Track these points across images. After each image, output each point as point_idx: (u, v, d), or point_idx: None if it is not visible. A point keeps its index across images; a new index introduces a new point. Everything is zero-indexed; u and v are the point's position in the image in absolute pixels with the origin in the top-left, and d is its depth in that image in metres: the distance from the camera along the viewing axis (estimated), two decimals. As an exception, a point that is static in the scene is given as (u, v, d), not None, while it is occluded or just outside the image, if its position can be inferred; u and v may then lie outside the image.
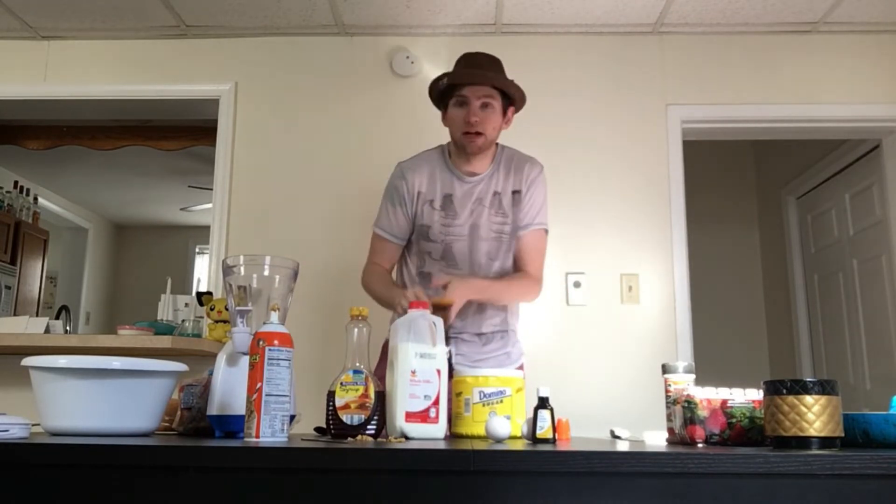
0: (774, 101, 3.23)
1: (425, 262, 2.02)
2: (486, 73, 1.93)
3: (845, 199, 3.87)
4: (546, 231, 2.08)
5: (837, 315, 3.96)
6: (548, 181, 3.17)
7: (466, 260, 1.99)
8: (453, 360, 1.99)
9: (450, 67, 3.29)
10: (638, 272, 3.12)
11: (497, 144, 2.06)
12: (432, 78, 3.36)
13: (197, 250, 7.80)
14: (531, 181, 2.04)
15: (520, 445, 1.17)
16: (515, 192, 2.02)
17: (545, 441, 1.33)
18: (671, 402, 1.33)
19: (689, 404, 1.25)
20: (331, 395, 1.43)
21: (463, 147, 1.97)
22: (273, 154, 3.28)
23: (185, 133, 3.95)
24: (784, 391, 1.09)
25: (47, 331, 2.89)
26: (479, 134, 1.93)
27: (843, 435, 1.09)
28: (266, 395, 1.20)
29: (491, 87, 1.93)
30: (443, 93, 1.99)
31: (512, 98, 2.00)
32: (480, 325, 2.01)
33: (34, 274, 5.86)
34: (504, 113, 1.99)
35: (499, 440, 1.31)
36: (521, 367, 2.09)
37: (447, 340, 1.95)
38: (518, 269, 2.05)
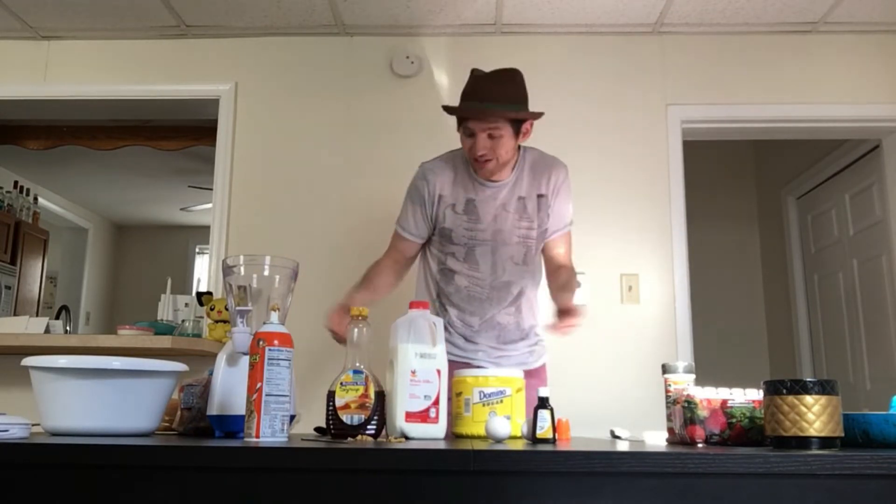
0: (774, 101, 3.23)
1: (447, 260, 2.03)
2: (490, 105, 1.87)
3: (845, 199, 3.87)
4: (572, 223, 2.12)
5: (837, 315, 3.96)
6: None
7: (489, 263, 2.00)
8: (474, 360, 2.01)
9: (449, 68, 3.29)
10: (638, 272, 3.12)
11: (519, 148, 2.02)
12: (433, 78, 3.36)
13: (197, 250, 7.80)
14: (557, 187, 2.03)
15: (520, 445, 1.17)
16: (541, 196, 2.01)
17: (545, 441, 1.33)
18: (671, 402, 1.34)
19: (689, 404, 1.25)
20: (331, 395, 1.43)
21: (475, 169, 1.98)
22: (273, 154, 3.28)
23: (185, 133, 3.95)
24: (784, 391, 1.09)
25: (47, 331, 2.89)
26: (488, 160, 1.91)
27: (843, 435, 1.09)
28: (266, 395, 1.20)
29: (494, 120, 1.88)
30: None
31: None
32: (497, 317, 2.03)
33: (34, 274, 5.86)
34: (517, 133, 1.92)
35: (499, 440, 1.31)
36: (542, 368, 2.12)
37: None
38: (553, 263, 2.08)
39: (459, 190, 2.00)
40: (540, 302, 2.13)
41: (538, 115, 1.93)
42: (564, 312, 1.80)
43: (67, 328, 4.02)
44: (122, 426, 1.29)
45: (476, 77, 1.94)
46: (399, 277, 2.14)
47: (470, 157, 1.95)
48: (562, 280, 2.02)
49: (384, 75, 3.30)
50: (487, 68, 2.00)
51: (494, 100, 1.88)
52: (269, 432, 1.19)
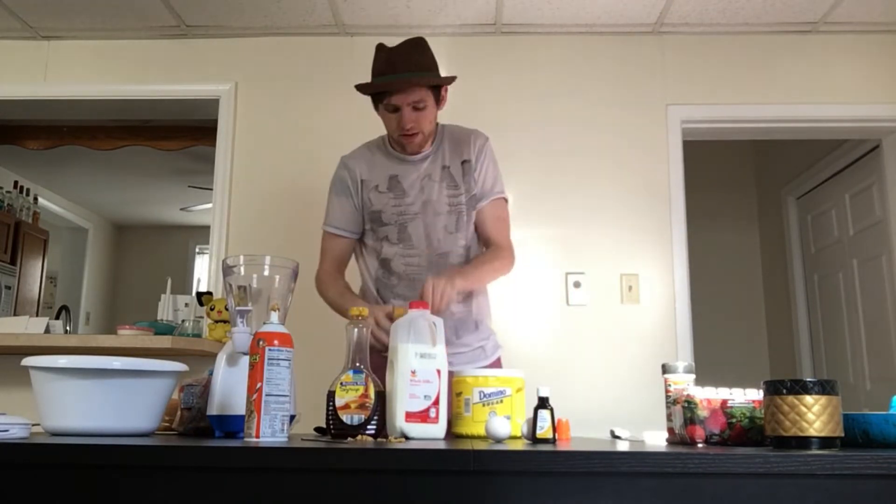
0: (775, 101, 3.23)
1: (383, 248, 1.98)
2: (412, 75, 1.83)
3: (845, 199, 3.87)
4: (506, 200, 2.04)
5: (837, 315, 3.96)
6: (548, 181, 3.20)
7: (422, 238, 1.96)
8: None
9: (449, 68, 3.29)
10: (638, 272, 3.12)
11: (437, 124, 2.02)
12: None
13: (197, 250, 7.80)
14: (479, 150, 1.99)
15: (520, 445, 1.17)
16: (465, 162, 1.99)
17: (545, 441, 1.32)
18: (671, 402, 1.34)
19: (689, 404, 1.25)
20: (331, 395, 1.43)
21: (403, 146, 1.96)
22: (273, 154, 3.27)
23: (185, 133, 3.95)
24: (784, 391, 1.09)
25: (47, 331, 2.89)
26: (415, 134, 1.90)
27: (843, 435, 1.09)
28: (266, 395, 1.20)
29: (419, 89, 1.85)
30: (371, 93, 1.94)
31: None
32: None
33: (34, 274, 5.86)
34: (437, 100, 1.92)
35: (499, 440, 1.31)
36: (497, 362, 2.05)
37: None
38: (486, 242, 2.02)
39: (379, 170, 1.98)
40: (488, 292, 2.08)
41: (452, 79, 1.93)
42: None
43: (67, 328, 4.02)
44: (122, 426, 1.29)
45: (386, 50, 1.88)
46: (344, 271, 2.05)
47: (396, 134, 1.92)
48: (483, 257, 1.98)
49: (384, 75, 3.30)
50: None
51: (412, 70, 1.84)
52: (269, 432, 1.19)
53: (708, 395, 1.25)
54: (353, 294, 1.99)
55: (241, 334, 1.38)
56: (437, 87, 1.91)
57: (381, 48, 1.90)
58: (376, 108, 1.94)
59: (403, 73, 1.83)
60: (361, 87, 1.90)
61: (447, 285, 1.73)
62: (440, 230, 1.96)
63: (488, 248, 2.03)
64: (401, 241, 1.96)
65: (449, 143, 2.00)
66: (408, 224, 1.96)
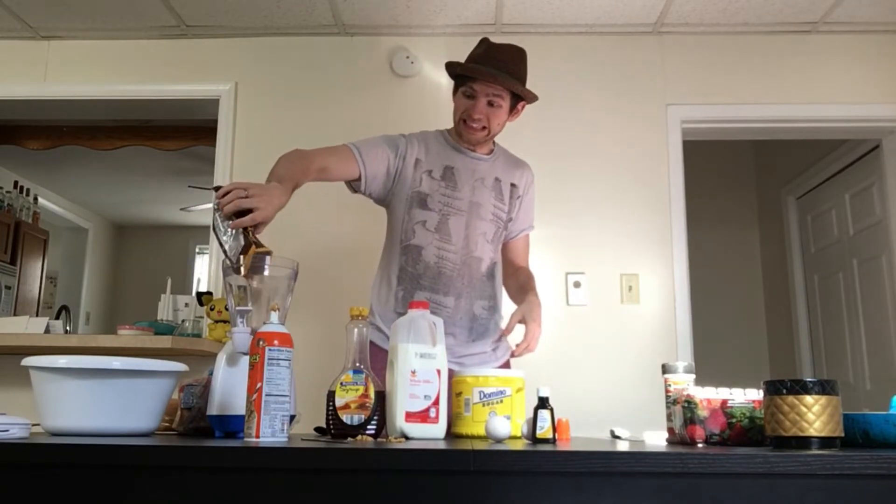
0: (774, 101, 3.23)
1: (415, 233, 1.95)
2: (500, 72, 1.88)
3: (845, 199, 3.87)
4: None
5: (837, 315, 3.96)
6: (548, 182, 3.21)
7: (462, 236, 1.96)
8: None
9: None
10: (638, 272, 3.12)
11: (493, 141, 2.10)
12: (432, 78, 3.37)
13: (197, 250, 7.80)
14: (528, 184, 2.11)
15: (520, 445, 1.17)
16: (513, 186, 2.06)
17: (545, 441, 1.33)
18: (671, 402, 1.34)
19: (689, 404, 1.25)
20: (331, 395, 1.43)
21: (460, 134, 2.00)
22: (273, 154, 3.22)
23: (185, 133, 3.95)
24: (784, 391, 1.09)
25: (47, 331, 2.89)
26: (482, 128, 1.95)
27: (843, 435, 1.09)
28: (266, 395, 1.20)
29: (501, 87, 1.91)
30: (456, 73, 1.98)
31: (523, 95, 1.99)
32: (472, 305, 1.97)
33: (34, 274, 5.86)
34: (512, 108, 1.98)
35: (499, 440, 1.31)
36: (507, 364, 2.05)
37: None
38: (511, 264, 2.14)
39: (435, 157, 1.99)
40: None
41: (536, 98, 1.98)
42: (525, 323, 1.91)
43: (67, 328, 4.02)
44: (122, 426, 1.29)
45: (489, 44, 1.96)
46: (319, 176, 1.93)
47: (461, 119, 1.95)
48: (522, 279, 2.09)
49: (384, 75, 3.30)
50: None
51: (504, 69, 1.90)
52: (269, 432, 1.19)
53: (708, 395, 1.25)
54: (300, 170, 1.88)
55: (241, 334, 1.38)
56: (517, 97, 1.96)
57: (484, 40, 1.98)
58: (455, 91, 1.99)
59: (494, 69, 1.89)
60: (451, 65, 1.95)
61: (539, 329, 1.90)
62: (479, 235, 1.99)
63: (516, 270, 2.14)
64: (438, 231, 1.95)
65: (504, 160, 2.08)
66: (450, 217, 1.96)
